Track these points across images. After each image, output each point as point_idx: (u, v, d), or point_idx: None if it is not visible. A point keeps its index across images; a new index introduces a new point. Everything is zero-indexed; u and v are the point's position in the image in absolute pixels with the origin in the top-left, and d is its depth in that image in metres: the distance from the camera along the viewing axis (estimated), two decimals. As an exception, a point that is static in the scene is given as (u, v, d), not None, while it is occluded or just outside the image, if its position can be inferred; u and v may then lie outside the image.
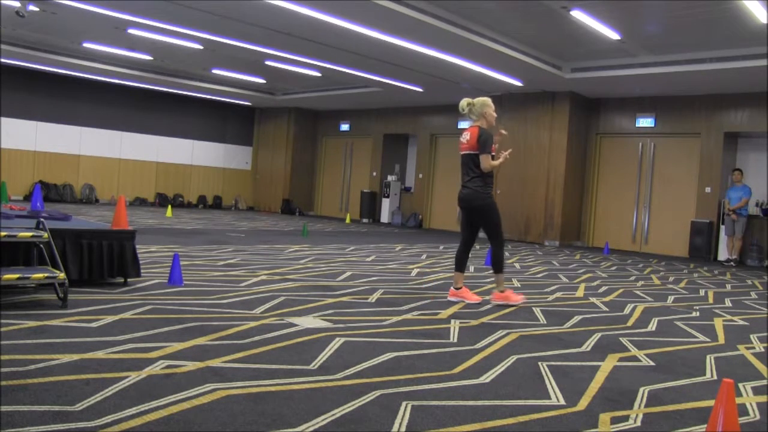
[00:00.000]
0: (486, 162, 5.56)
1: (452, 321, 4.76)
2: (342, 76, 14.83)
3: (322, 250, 9.12)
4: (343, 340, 3.83)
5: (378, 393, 2.89)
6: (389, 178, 18.74)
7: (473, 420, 2.66)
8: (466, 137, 5.71)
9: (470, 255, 6.05)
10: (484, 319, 4.93)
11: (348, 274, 6.87)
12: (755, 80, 11.90)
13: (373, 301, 5.37)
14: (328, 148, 21.05)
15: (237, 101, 19.89)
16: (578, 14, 9.46)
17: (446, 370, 3.37)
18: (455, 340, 4.12)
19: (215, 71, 16.01)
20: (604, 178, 14.99)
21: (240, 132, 21.33)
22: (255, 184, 21.33)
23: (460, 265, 5.80)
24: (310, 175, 21.06)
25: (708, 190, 13.50)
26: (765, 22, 9.28)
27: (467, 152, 5.67)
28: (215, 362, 3.18)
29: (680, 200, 13.85)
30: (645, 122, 14.30)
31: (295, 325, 4.12)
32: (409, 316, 4.83)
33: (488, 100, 5.82)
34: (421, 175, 18.28)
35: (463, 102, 5.81)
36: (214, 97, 19.23)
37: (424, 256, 9.47)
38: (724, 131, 13.45)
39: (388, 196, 18.59)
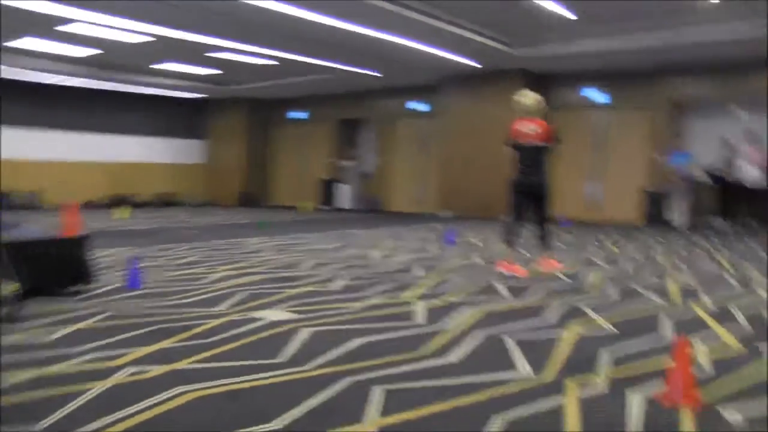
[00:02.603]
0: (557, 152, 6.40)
1: (418, 302, 4.78)
2: (296, 65, 14.66)
3: (283, 241, 9.07)
4: (310, 330, 3.83)
5: (350, 380, 2.89)
6: (347, 163, 18.68)
7: (445, 399, 2.69)
8: (533, 128, 6.29)
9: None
10: (449, 298, 4.97)
11: (311, 263, 6.85)
12: (702, 52, 12.15)
13: (338, 288, 5.37)
14: (284, 137, 20.78)
15: (188, 94, 19.48)
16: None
17: (415, 351, 3.39)
18: (422, 321, 4.15)
19: (163, 65, 15.63)
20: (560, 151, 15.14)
21: (192, 126, 20.93)
22: (210, 178, 20.98)
23: (513, 241, 6.51)
24: (266, 165, 20.85)
25: (658, 158, 13.78)
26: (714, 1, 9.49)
27: (536, 143, 6.27)
28: (182, 364, 3.14)
29: (634, 170, 14.09)
30: (595, 95, 14.49)
31: (260, 319, 4.09)
32: (374, 300, 4.84)
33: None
34: (379, 160, 18.27)
35: (535, 99, 6.45)
36: (162, 92, 18.79)
37: (386, 240, 9.48)
38: (672, 101, 13.74)
39: (347, 182, 18.54)
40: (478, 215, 14.84)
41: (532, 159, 6.30)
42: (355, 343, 3.56)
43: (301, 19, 10.19)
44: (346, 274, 6.15)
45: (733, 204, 12.96)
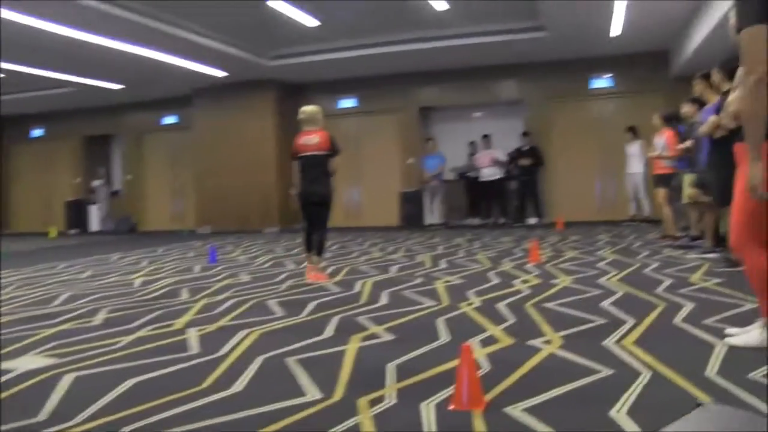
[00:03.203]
0: (340, 162, 6.83)
1: (189, 330, 4.53)
2: (29, 78, 13.33)
3: (29, 273, 8.16)
4: (73, 376, 3.42)
5: (128, 430, 2.62)
6: (95, 183, 17.40)
7: (235, 436, 2.53)
8: (314, 140, 6.65)
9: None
10: (222, 322, 4.77)
11: (65, 296, 6.22)
12: (442, 58, 13.09)
13: (100, 322, 4.91)
14: (25, 156, 18.73)
15: None
16: (276, 3, 9.56)
17: (194, 386, 3.17)
18: (197, 351, 3.92)
19: None
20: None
21: None
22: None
23: (311, 246, 6.83)
24: (2, 188, 18.70)
25: (410, 161, 14.58)
26: (443, 9, 10.23)
27: (317, 153, 6.63)
28: None
29: (388, 173, 14.76)
30: (347, 103, 14.96)
31: (11, 370, 3.57)
32: (141, 333, 4.48)
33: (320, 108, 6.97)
34: (129, 177, 17.27)
35: (312, 111, 6.82)
36: None
37: (145, 263, 8.95)
38: (419, 106, 14.64)
39: (95, 203, 17.27)
40: (239, 228, 14.65)
41: (314, 169, 6.68)
42: (128, 384, 3.24)
43: (29, 27, 9.28)
44: (106, 305, 5.65)
45: (480, 201, 14.12)
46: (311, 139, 6.72)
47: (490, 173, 13.50)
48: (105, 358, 3.81)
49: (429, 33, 11.91)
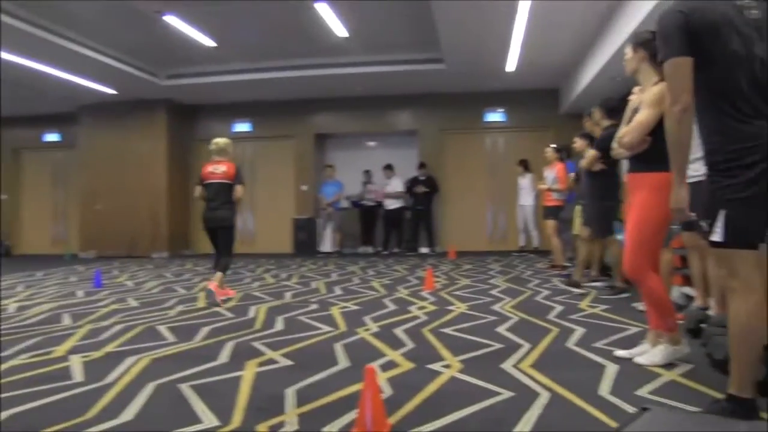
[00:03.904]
0: (243, 191, 7.08)
1: (72, 357, 4.24)
2: None
3: None
4: (-63, 405, 3.12)
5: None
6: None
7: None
8: (221, 169, 6.99)
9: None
10: (108, 348, 4.50)
11: (-73, 321, 5.72)
12: (339, 86, 13.14)
13: (-31, 349, 4.53)
14: None
15: None
16: (172, 19, 9.29)
17: (79, 416, 2.95)
18: (82, 379, 3.66)
19: None
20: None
21: None
22: None
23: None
24: None
25: (304, 188, 14.47)
26: (343, 35, 10.27)
27: (223, 181, 6.96)
28: None
29: (282, 199, 14.59)
30: (242, 127, 14.73)
31: None
32: (16, 361, 4.16)
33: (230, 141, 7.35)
34: (5, 196, 16.25)
35: (222, 143, 7.18)
36: None
37: (21, 287, 8.39)
38: (314, 132, 14.59)
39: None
40: (126, 254, 14.05)
41: (219, 196, 6.97)
42: (4, 415, 2.98)
43: None
44: (-23, 330, 5.24)
45: (374, 229, 14.18)
46: (218, 168, 7.04)
47: (392, 202, 13.59)
48: (-25, 386, 3.49)
49: (328, 60, 11.92)
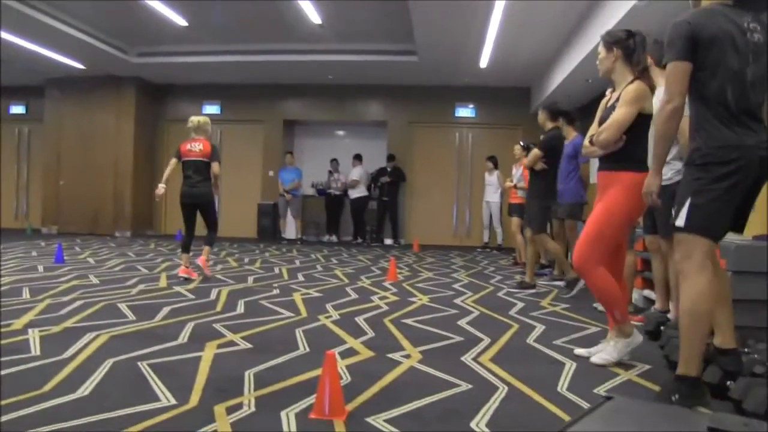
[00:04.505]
0: (219, 168, 7.20)
1: (30, 330, 4.19)
2: None
3: None
4: None
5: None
6: None
7: (80, 442, 2.35)
8: (198, 147, 7.14)
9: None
10: (67, 324, 4.45)
11: None
12: (311, 73, 13.09)
13: None
14: None
15: None
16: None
17: (35, 389, 2.92)
18: (38, 353, 3.62)
19: None
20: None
21: None
22: None
23: (187, 248, 7.28)
24: None
25: (271, 173, 14.40)
26: (317, 22, 10.23)
27: (201, 159, 7.10)
28: None
29: (248, 184, 14.49)
30: (210, 109, 14.58)
31: None
32: (-27, 331, 4.11)
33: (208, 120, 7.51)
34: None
35: (199, 121, 7.29)
36: None
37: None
38: (283, 118, 14.52)
39: None
40: (88, 231, 13.87)
41: (196, 174, 7.11)
42: (-44, 385, 2.95)
43: None
44: (-69, 301, 5.15)
45: (338, 217, 14.21)
46: (196, 146, 7.17)
47: (355, 192, 13.60)
48: (-71, 356, 3.44)
49: (300, 46, 11.85)
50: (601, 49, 3.87)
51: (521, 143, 9.76)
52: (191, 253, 7.37)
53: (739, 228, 3.05)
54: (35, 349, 3.72)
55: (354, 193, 13.62)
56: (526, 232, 7.49)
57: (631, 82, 3.72)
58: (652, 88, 3.75)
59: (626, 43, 3.75)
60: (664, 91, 3.00)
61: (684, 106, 2.93)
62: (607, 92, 4.02)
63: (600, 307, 5.65)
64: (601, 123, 3.83)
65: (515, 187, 9.25)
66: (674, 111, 2.90)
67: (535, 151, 6.82)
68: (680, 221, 2.92)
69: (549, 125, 6.94)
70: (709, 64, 2.88)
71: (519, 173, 9.30)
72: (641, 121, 3.68)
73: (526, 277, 7.35)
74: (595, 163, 4.14)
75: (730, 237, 3.45)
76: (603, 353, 3.78)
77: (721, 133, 2.86)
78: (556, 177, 7.01)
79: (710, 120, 2.90)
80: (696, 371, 2.88)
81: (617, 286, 3.75)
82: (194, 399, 2.89)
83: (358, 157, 13.72)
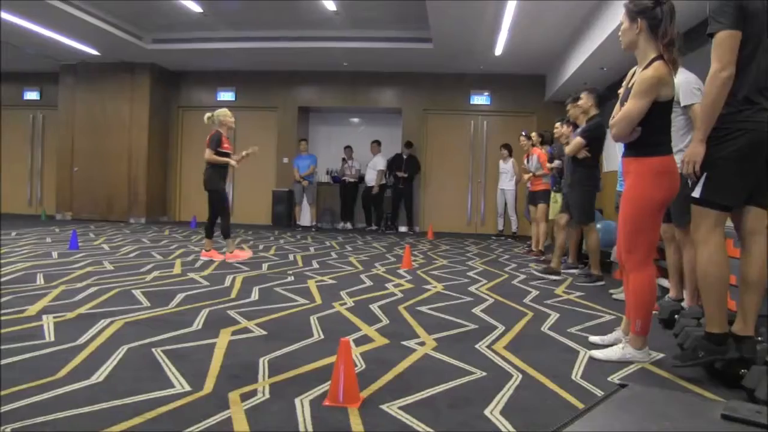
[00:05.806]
0: (207, 154, 7.58)
1: (44, 317, 4.20)
2: None
3: None
4: None
5: (-31, 417, 2.36)
6: None
7: (96, 427, 2.34)
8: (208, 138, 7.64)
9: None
10: (81, 310, 4.46)
11: None
12: (325, 60, 13.04)
13: (-62, 304, 4.48)
14: None
15: None
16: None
17: (49, 375, 2.92)
18: (52, 339, 3.63)
19: None
20: (188, 152, 14.90)
21: None
22: None
23: (208, 233, 7.88)
24: None
25: (285, 160, 14.40)
26: (332, 9, 10.16)
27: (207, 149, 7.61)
28: None
29: (262, 171, 14.49)
30: (226, 95, 14.57)
31: None
32: (-12, 317, 4.12)
33: (226, 111, 7.92)
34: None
35: (207, 115, 7.81)
36: None
37: (-6, 245, 8.30)
38: (298, 105, 14.48)
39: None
40: (102, 217, 13.94)
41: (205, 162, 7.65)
42: (-29, 370, 2.95)
43: None
44: (-53, 286, 5.18)
45: (353, 205, 14.18)
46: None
47: (372, 179, 13.58)
48: (-55, 341, 3.45)
49: (315, 33, 11.82)
50: (624, 20, 3.50)
51: (523, 133, 9.76)
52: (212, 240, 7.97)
53: (766, 204, 3.12)
54: (49, 335, 3.72)
55: (371, 181, 13.59)
56: (560, 219, 7.40)
57: (651, 62, 3.37)
58: (675, 65, 3.45)
59: (653, 13, 3.35)
60: (714, 58, 3.01)
61: (734, 74, 2.98)
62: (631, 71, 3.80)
63: (617, 296, 5.61)
64: (622, 104, 3.60)
65: (534, 175, 9.16)
66: (729, 78, 2.94)
67: (578, 140, 6.61)
68: (695, 193, 3.12)
69: (593, 111, 6.66)
70: (748, 35, 2.96)
71: (535, 160, 9.21)
72: (659, 107, 3.36)
73: (552, 263, 7.29)
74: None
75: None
76: (608, 350, 3.62)
77: (737, 108, 2.98)
78: (599, 165, 6.87)
79: (738, 87, 2.99)
80: (719, 328, 3.08)
81: (655, 298, 3.60)
82: (208, 385, 2.88)
83: (377, 143, 13.68)
